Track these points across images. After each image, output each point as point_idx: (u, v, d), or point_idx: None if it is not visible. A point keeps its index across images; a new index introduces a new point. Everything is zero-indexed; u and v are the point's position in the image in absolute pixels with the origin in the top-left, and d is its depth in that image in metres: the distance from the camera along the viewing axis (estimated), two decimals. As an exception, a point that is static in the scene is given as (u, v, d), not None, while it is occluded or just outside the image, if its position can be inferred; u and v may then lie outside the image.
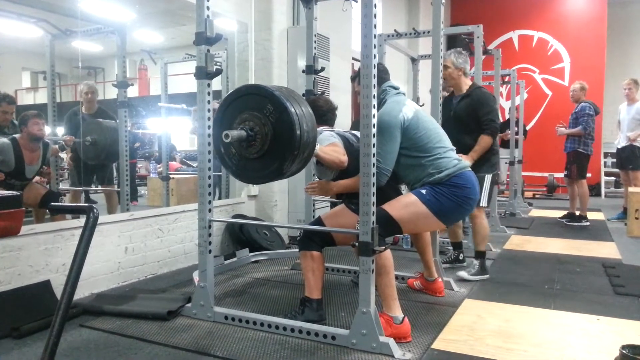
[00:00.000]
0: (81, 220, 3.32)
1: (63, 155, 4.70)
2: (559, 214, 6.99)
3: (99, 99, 5.02)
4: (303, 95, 3.73)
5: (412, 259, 4.21)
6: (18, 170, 3.84)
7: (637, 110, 6.53)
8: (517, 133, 7.72)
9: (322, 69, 4.07)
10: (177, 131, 8.45)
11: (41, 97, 5.80)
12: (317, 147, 2.65)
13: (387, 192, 2.78)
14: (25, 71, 6.07)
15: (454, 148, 2.90)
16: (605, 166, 10.58)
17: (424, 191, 2.68)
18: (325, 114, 3.10)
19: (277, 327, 2.69)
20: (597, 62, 10.46)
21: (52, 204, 2.11)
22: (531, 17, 11.14)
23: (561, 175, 7.45)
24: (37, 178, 4.17)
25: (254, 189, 5.14)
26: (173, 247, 4.13)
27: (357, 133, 3.00)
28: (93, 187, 5.10)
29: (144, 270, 3.85)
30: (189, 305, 2.98)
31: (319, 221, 2.99)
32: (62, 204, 4.13)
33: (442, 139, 2.84)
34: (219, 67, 2.91)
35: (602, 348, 2.53)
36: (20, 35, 4.50)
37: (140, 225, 3.84)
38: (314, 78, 4.01)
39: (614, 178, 10.47)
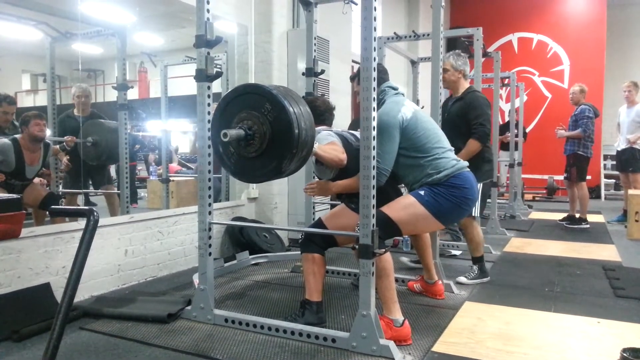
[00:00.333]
0: (81, 223, 3.31)
1: (60, 158, 4.69)
2: (559, 216, 6.99)
3: (98, 101, 5.02)
4: (303, 97, 3.73)
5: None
6: (18, 170, 3.84)
7: (637, 112, 6.53)
8: (516, 135, 7.73)
9: (322, 72, 4.08)
10: (179, 133, 8.46)
11: (41, 100, 5.80)
12: (316, 145, 2.65)
13: (387, 192, 2.78)
14: (25, 73, 6.08)
15: (453, 149, 2.91)
16: (605, 168, 10.59)
17: (422, 192, 2.68)
18: (323, 113, 3.10)
19: (277, 330, 2.68)
20: (597, 65, 10.47)
21: (52, 207, 2.10)
22: (531, 19, 11.16)
23: (561, 177, 7.45)
24: (37, 179, 4.16)
25: (254, 191, 5.14)
26: (173, 249, 4.13)
27: (356, 132, 3.02)
28: (92, 190, 5.10)
29: (143, 272, 3.85)
30: (189, 307, 2.97)
31: (319, 223, 2.98)
32: (62, 207, 4.12)
33: (441, 140, 2.84)
34: (219, 70, 2.92)
35: (602, 351, 2.53)
36: (21, 37, 4.50)
37: (140, 227, 3.84)
38: (314, 80, 4.01)
39: (613, 180, 10.47)
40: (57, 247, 3.17)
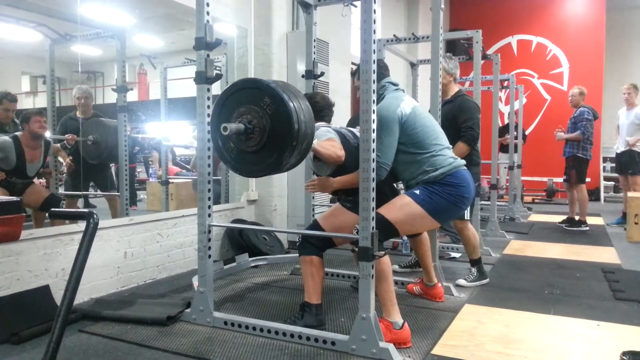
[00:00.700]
0: (80, 226, 3.31)
1: (61, 159, 4.69)
2: (559, 218, 6.99)
3: (99, 103, 5.02)
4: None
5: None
6: (19, 168, 3.84)
7: (636, 115, 6.54)
8: (516, 138, 7.73)
9: (322, 74, 4.08)
10: (177, 135, 8.45)
11: (41, 101, 5.79)
12: (315, 141, 2.65)
13: (385, 192, 2.77)
14: (25, 75, 6.07)
15: (450, 146, 2.91)
16: (604, 171, 10.60)
17: (417, 192, 2.69)
18: (322, 110, 3.09)
19: (276, 333, 2.68)
20: (596, 67, 10.48)
21: (53, 209, 2.10)
22: (530, 22, 11.18)
23: (560, 180, 7.45)
24: (38, 181, 4.16)
25: (254, 193, 5.14)
26: (172, 252, 4.13)
27: (354, 130, 3.02)
28: (92, 192, 5.10)
29: (143, 275, 3.85)
30: (188, 310, 2.97)
31: (316, 224, 2.96)
32: (62, 209, 4.11)
33: (439, 137, 2.84)
34: (219, 72, 2.92)
35: (602, 354, 2.53)
36: (20, 39, 4.51)
37: (140, 230, 3.83)
38: (314, 83, 4.02)
39: (613, 183, 10.49)
40: (56, 250, 3.16)
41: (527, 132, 9.68)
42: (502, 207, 7.56)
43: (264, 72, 5.05)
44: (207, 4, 2.79)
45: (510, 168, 7.52)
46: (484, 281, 3.79)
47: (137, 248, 3.79)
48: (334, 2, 3.91)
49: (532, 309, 3.19)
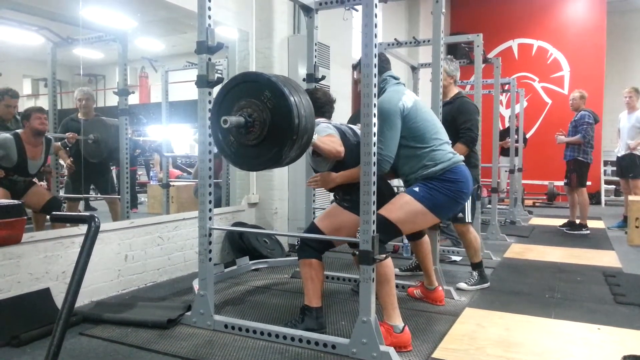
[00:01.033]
0: (81, 228, 3.31)
1: (62, 161, 4.70)
2: (559, 222, 6.99)
3: (100, 106, 5.03)
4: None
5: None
6: (21, 165, 3.84)
7: (637, 118, 6.54)
8: (517, 141, 7.73)
9: (323, 78, 4.09)
10: (177, 137, 8.47)
11: (42, 104, 5.80)
12: (315, 137, 2.65)
13: (382, 191, 2.77)
14: (26, 78, 6.08)
15: (450, 142, 2.92)
16: (605, 174, 10.60)
17: (417, 189, 2.69)
18: (323, 105, 3.08)
19: (277, 336, 2.68)
20: (597, 71, 10.49)
21: (54, 213, 2.10)
22: (531, 25, 11.19)
23: (561, 183, 7.45)
24: (39, 183, 4.16)
25: (254, 196, 5.14)
26: (173, 255, 4.13)
27: (354, 127, 3.01)
28: (93, 195, 5.10)
29: (143, 278, 3.85)
30: (188, 313, 2.97)
31: (314, 227, 2.93)
32: (64, 213, 4.12)
33: (439, 131, 2.85)
34: (220, 76, 2.92)
35: (603, 358, 2.53)
36: (22, 42, 4.52)
37: (141, 233, 3.84)
38: (315, 86, 4.02)
39: (614, 186, 10.48)
40: (57, 252, 3.17)
41: (527, 136, 9.67)
42: (503, 210, 7.57)
43: (265, 75, 5.04)
44: (209, 8, 2.80)
45: (511, 171, 7.52)
46: (485, 285, 3.79)
47: (137, 251, 3.79)
48: (335, 6, 3.91)
49: (532, 313, 3.19)
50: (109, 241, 3.56)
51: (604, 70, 10.53)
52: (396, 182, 3.65)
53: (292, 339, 2.63)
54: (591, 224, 6.80)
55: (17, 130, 3.89)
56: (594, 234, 6.43)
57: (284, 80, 2.49)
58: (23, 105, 5.98)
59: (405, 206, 2.68)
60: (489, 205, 6.14)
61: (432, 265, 3.38)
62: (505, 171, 8.20)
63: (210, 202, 2.89)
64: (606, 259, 4.91)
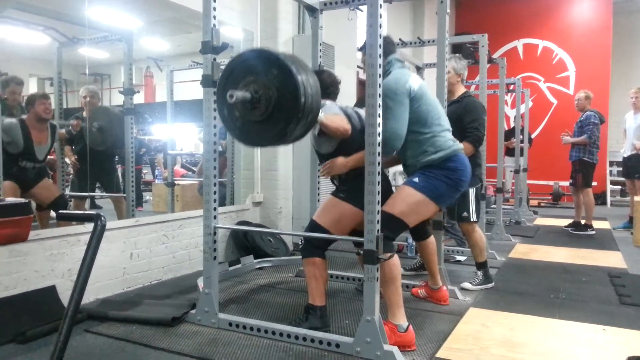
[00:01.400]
0: (87, 227, 3.33)
1: (67, 160, 4.72)
2: (564, 222, 6.97)
3: (105, 105, 5.04)
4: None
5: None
6: (28, 150, 3.85)
7: (643, 118, 6.52)
8: (522, 141, 7.71)
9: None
10: (182, 136, 8.50)
11: (48, 104, 5.83)
12: (322, 114, 2.65)
13: (382, 186, 2.77)
14: (33, 77, 6.12)
15: (451, 129, 2.91)
16: (611, 175, 10.55)
17: (416, 179, 2.71)
18: (328, 87, 3.06)
19: (281, 335, 2.69)
20: (602, 71, 10.45)
21: (61, 212, 2.11)
22: (536, 26, 11.15)
23: (566, 183, 7.43)
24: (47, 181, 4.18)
25: (259, 195, 5.15)
26: (178, 253, 4.14)
27: (360, 111, 3.01)
28: (98, 193, 5.12)
29: (148, 276, 3.87)
30: (193, 311, 2.98)
31: (314, 224, 2.90)
32: (70, 211, 4.14)
33: (441, 117, 2.86)
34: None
35: (607, 358, 2.52)
36: (28, 42, 4.55)
37: (146, 231, 3.85)
38: (320, 66, 4.01)
39: (619, 187, 10.43)
40: (62, 250, 3.19)
41: (533, 136, 9.66)
42: (508, 210, 7.54)
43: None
44: (214, 8, 2.81)
45: (516, 172, 7.50)
46: (489, 285, 3.79)
47: (142, 249, 3.81)
48: (340, 6, 3.91)
49: (537, 313, 3.19)
50: (114, 239, 3.58)
51: (609, 70, 10.49)
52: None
53: (296, 337, 2.64)
54: (597, 224, 6.78)
55: (22, 116, 3.91)
56: (600, 234, 6.41)
57: (291, 58, 2.48)
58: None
59: (407, 198, 2.68)
60: (493, 206, 6.12)
61: (437, 265, 3.38)
62: (511, 171, 8.18)
63: (215, 200, 2.90)
64: (611, 259, 4.89)
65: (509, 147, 8.08)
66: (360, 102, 4.13)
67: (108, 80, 7.46)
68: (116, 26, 4.50)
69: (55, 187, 4.22)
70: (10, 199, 3.00)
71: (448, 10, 3.54)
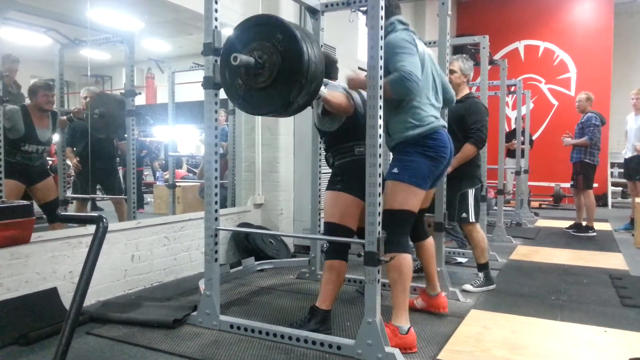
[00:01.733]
0: (88, 228, 3.33)
1: (69, 162, 4.73)
2: (566, 224, 6.96)
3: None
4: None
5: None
6: (30, 133, 3.86)
7: (645, 120, 6.52)
8: (523, 143, 7.71)
9: (329, 79, 4.08)
10: (183, 138, 8.51)
11: (50, 105, 5.83)
12: (325, 90, 2.64)
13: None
14: (34, 79, 6.13)
15: (438, 106, 2.84)
16: (612, 176, 10.55)
17: (395, 170, 2.66)
18: (326, 66, 2.99)
19: (282, 336, 2.69)
20: (604, 73, 10.45)
21: (62, 213, 2.12)
22: (537, 27, 11.15)
23: (567, 185, 7.42)
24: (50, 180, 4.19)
25: (260, 197, 5.15)
26: (179, 255, 4.15)
27: (364, 93, 3.00)
28: (99, 195, 5.13)
29: (150, 278, 3.87)
30: (194, 313, 2.98)
31: (330, 225, 2.88)
32: (72, 213, 4.14)
33: (431, 91, 2.78)
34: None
35: (609, 360, 2.52)
36: (30, 44, 4.55)
37: (147, 233, 3.85)
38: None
39: (621, 188, 10.43)
40: (64, 252, 3.19)
41: (534, 137, 9.65)
42: (509, 212, 7.54)
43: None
44: (216, 10, 2.81)
45: (517, 173, 7.50)
46: (491, 287, 3.78)
47: (144, 251, 3.81)
48: (341, 8, 3.91)
49: (538, 315, 3.18)
50: (115, 241, 3.58)
51: (610, 71, 10.49)
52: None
53: (298, 339, 2.64)
54: (598, 226, 6.77)
55: (24, 103, 3.92)
56: (601, 236, 6.40)
57: (296, 25, 2.49)
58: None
59: (395, 189, 2.63)
60: (495, 207, 6.11)
61: (435, 269, 3.26)
62: (512, 173, 8.17)
63: (216, 202, 2.90)
64: (613, 261, 4.89)
65: (510, 148, 8.08)
66: None
67: (109, 82, 7.47)
68: (118, 28, 4.51)
69: (55, 190, 4.23)
70: (13, 201, 3.00)
71: (449, 12, 3.53)
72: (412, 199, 2.67)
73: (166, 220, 4.13)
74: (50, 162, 4.48)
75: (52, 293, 3.06)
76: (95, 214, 2.00)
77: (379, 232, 2.40)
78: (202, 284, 3.18)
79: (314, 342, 2.59)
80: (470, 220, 3.82)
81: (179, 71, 6.17)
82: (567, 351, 2.63)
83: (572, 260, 4.90)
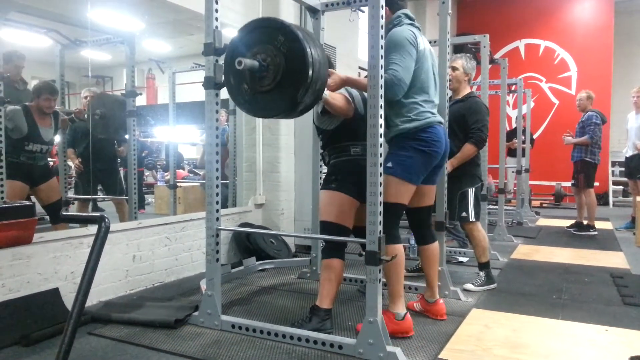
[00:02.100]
0: (89, 229, 3.34)
1: (70, 163, 4.74)
2: (567, 223, 6.96)
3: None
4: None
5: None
6: (33, 132, 3.88)
7: (645, 118, 6.51)
8: (524, 142, 7.71)
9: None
10: (184, 139, 8.52)
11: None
12: (326, 92, 2.66)
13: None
14: (35, 80, 6.14)
15: (436, 103, 2.87)
16: (613, 175, 10.54)
17: (389, 164, 2.67)
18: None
19: (284, 336, 2.69)
20: (604, 71, 10.44)
21: (64, 213, 2.12)
22: (538, 26, 11.15)
23: (568, 184, 7.43)
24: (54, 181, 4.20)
25: (261, 197, 5.16)
26: (180, 255, 4.15)
27: (365, 93, 3.01)
28: (101, 196, 5.13)
29: (151, 278, 3.87)
30: (196, 313, 2.99)
31: (325, 224, 2.90)
32: (74, 213, 4.15)
33: (430, 88, 2.81)
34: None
35: (610, 359, 2.52)
36: (31, 45, 4.56)
37: (148, 233, 3.86)
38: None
39: (622, 187, 10.42)
40: (65, 253, 3.19)
41: (535, 136, 9.65)
42: (510, 211, 7.54)
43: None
44: (216, 10, 2.81)
45: (518, 172, 7.50)
46: (492, 286, 3.78)
47: (145, 251, 3.82)
48: (341, 7, 3.92)
49: (539, 314, 3.18)
50: (117, 242, 3.59)
51: (611, 70, 10.48)
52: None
53: (299, 339, 2.64)
54: (599, 224, 6.77)
55: (26, 103, 3.93)
56: (602, 235, 6.40)
57: (297, 26, 2.50)
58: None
59: (388, 183, 2.63)
60: (496, 207, 6.11)
61: (437, 276, 3.18)
62: (512, 172, 8.17)
63: (217, 202, 2.90)
64: (614, 260, 4.89)
65: (510, 147, 8.08)
66: None
67: (110, 83, 7.48)
68: (118, 28, 4.52)
69: (58, 190, 4.24)
70: (16, 201, 3.01)
71: (449, 11, 3.53)
72: (404, 192, 2.74)
73: (167, 220, 4.13)
74: (51, 163, 4.48)
75: (54, 294, 3.06)
76: (97, 214, 2.00)
77: (380, 231, 2.40)
78: (203, 284, 3.18)
79: (315, 342, 2.59)
80: (470, 219, 3.82)
81: (180, 71, 6.18)
82: (568, 350, 2.63)
83: (573, 259, 4.90)
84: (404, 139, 2.71)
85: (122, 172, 5.21)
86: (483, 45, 5.09)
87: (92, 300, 3.35)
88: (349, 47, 6.60)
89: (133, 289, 3.71)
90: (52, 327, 2.76)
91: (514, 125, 8.90)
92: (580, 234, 6.42)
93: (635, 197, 6.59)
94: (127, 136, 4.54)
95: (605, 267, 4.56)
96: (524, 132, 7.76)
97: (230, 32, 4.85)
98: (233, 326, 2.85)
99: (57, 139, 4.38)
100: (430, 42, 4.95)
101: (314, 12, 3.96)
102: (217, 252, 2.91)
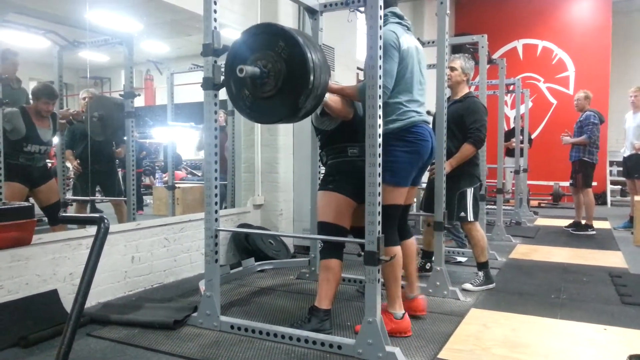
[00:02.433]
0: (88, 230, 3.34)
1: (69, 164, 4.74)
2: (565, 222, 6.97)
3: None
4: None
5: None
6: (31, 133, 3.86)
7: (643, 118, 6.52)
8: (522, 142, 7.72)
9: (328, 79, 4.09)
10: (183, 140, 8.51)
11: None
12: (327, 95, 2.67)
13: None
14: (33, 81, 6.13)
15: (422, 102, 2.87)
16: (611, 175, 10.56)
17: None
18: None
19: (283, 337, 2.69)
20: (602, 71, 10.45)
21: (63, 214, 2.12)
22: (536, 26, 11.16)
23: (567, 184, 7.43)
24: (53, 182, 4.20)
25: (260, 198, 5.16)
26: (179, 256, 4.15)
27: None
28: (99, 197, 5.13)
29: (150, 279, 3.87)
30: (195, 314, 2.99)
31: (323, 225, 2.89)
32: (72, 214, 4.14)
33: (415, 88, 2.80)
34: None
35: (609, 358, 2.53)
36: (29, 46, 4.56)
37: (147, 234, 3.86)
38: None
39: (620, 187, 10.44)
40: (64, 254, 3.19)
41: (533, 136, 9.67)
42: (508, 211, 7.54)
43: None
44: (215, 11, 2.81)
45: (516, 172, 7.51)
46: (490, 286, 3.79)
47: (144, 252, 3.81)
48: (339, 8, 3.92)
49: (538, 314, 3.19)
50: (115, 243, 3.58)
51: (609, 70, 10.49)
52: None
53: (298, 339, 2.64)
54: (597, 224, 6.78)
55: (24, 105, 3.93)
56: (600, 234, 6.41)
57: (297, 31, 2.51)
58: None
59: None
60: (494, 207, 6.12)
61: (415, 271, 3.17)
62: (511, 172, 8.18)
63: (216, 203, 2.90)
64: (612, 259, 4.90)
65: (509, 147, 8.09)
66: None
67: (108, 84, 7.47)
68: (116, 29, 4.51)
69: (57, 192, 4.24)
70: (15, 202, 3.00)
71: (448, 11, 3.54)
72: (397, 195, 2.76)
73: (166, 221, 4.13)
74: (50, 165, 4.48)
75: (53, 295, 3.05)
76: (96, 214, 2.00)
77: (379, 231, 2.40)
78: (202, 285, 3.18)
79: (314, 342, 2.60)
80: (469, 219, 3.83)
81: (178, 72, 6.18)
82: (567, 349, 2.63)
83: (571, 259, 4.91)
84: (389, 140, 2.69)
85: (120, 173, 5.21)
86: (481, 45, 5.10)
87: (90, 302, 3.34)
88: (347, 47, 6.60)
89: (132, 290, 3.70)
90: (51, 328, 2.75)
91: (512, 125, 8.91)
92: (578, 234, 6.43)
93: (633, 196, 6.60)
94: (125, 137, 4.53)
95: (604, 266, 4.57)
96: (522, 132, 7.77)
97: (228, 33, 4.85)
98: (232, 327, 2.85)
99: (56, 140, 4.38)
100: (428, 43, 5.04)
101: (312, 12, 3.96)
102: (216, 253, 2.91)
